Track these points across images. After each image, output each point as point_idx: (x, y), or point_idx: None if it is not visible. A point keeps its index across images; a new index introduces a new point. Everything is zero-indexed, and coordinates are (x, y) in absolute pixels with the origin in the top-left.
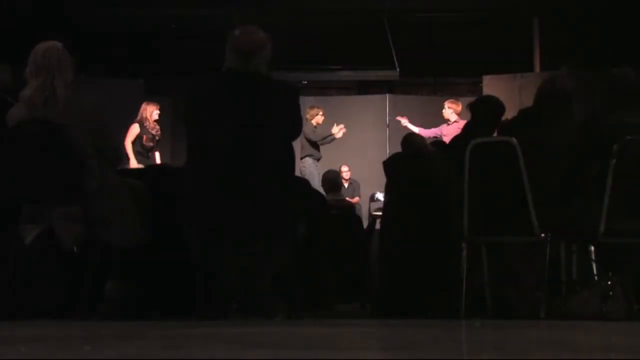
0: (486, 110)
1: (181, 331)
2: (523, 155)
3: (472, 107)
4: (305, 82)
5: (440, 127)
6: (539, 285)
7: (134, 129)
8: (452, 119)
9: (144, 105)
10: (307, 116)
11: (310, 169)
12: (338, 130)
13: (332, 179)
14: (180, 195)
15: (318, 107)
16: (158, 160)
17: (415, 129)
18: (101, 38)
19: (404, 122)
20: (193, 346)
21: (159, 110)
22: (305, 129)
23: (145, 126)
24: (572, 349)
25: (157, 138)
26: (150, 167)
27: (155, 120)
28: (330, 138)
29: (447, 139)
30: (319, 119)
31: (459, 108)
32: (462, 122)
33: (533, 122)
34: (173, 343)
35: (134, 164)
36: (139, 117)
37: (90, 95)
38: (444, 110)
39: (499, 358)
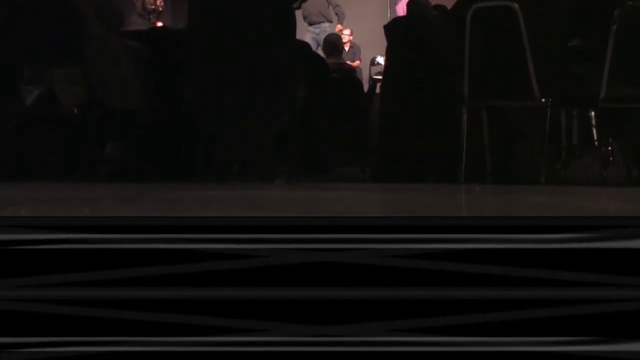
0: None
1: (181, 194)
2: (525, 19)
3: None
4: None
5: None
6: (539, 151)
7: None
8: None
9: None
10: None
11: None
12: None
13: (332, 42)
14: (181, 58)
15: None
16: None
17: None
18: None
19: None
20: (193, 208)
21: None
22: None
23: None
24: (571, 212)
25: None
26: (152, 30)
27: None
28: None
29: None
30: None
31: None
32: None
33: None
34: (172, 205)
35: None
36: None
37: None
38: None
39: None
